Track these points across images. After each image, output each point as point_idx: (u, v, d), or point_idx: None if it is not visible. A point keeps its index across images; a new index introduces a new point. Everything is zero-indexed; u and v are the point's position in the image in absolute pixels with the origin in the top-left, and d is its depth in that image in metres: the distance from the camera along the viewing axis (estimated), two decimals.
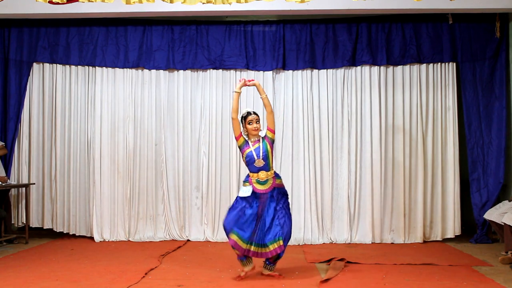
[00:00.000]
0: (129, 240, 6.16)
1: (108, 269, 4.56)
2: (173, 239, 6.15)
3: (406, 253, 5.33)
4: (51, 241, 6.12)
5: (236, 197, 4.24)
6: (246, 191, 4.14)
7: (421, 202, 6.04)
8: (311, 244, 5.92)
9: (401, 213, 6.03)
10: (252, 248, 4.09)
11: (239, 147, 4.27)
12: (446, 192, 6.09)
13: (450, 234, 6.03)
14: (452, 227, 6.03)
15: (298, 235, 6.03)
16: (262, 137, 4.25)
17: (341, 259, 4.85)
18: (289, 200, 4.22)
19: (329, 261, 4.86)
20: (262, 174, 4.14)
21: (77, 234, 6.27)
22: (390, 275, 4.33)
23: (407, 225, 6.05)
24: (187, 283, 4.07)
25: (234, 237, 4.06)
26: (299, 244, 5.93)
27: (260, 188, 4.14)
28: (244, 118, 4.23)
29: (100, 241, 6.10)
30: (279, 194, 4.21)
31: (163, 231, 6.22)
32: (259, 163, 4.14)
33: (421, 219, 6.02)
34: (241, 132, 4.23)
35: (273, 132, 4.26)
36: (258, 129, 4.21)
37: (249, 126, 4.20)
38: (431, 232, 6.09)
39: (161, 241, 6.11)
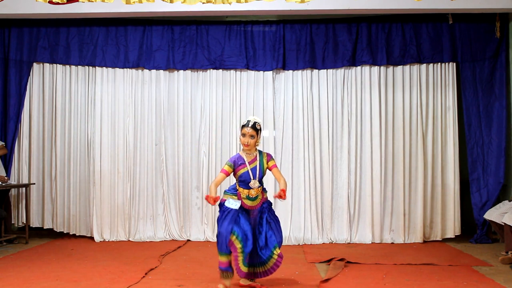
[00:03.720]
0: (129, 240, 6.16)
1: (108, 269, 4.56)
2: (173, 239, 6.15)
3: (406, 253, 5.33)
4: (51, 241, 6.12)
5: (222, 208, 3.83)
6: (234, 204, 3.76)
7: (421, 202, 6.04)
8: (311, 244, 5.92)
9: (401, 213, 6.03)
10: (256, 269, 3.84)
11: (233, 171, 3.83)
12: (446, 192, 6.09)
13: (450, 234, 6.04)
14: (452, 227, 6.03)
15: (298, 235, 6.04)
16: (260, 152, 3.90)
17: (341, 259, 4.85)
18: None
19: (329, 261, 4.86)
20: (253, 191, 3.80)
21: (77, 234, 6.27)
22: (390, 275, 4.33)
23: (407, 225, 6.05)
24: (187, 283, 4.07)
25: (233, 239, 3.68)
26: (299, 244, 5.93)
27: (250, 204, 3.81)
28: (241, 126, 3.88)
29: (100, 241, 6.10)
30: (267, 207, 3.91)
31: (163, 231, 6.22)
32: (254, 183, 3.79)
33: (421, 219, 6.02)
34: (224, 171, 3.82)
35: (271, 169, 3.90)
36: (249, 145, 3.80)
37: (241, 138, 3.84)
38: (431, 232, 6.09)
39: (161, 241, 6.11)
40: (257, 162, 3.84)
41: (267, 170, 3.91)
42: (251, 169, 3.80)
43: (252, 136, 3.79)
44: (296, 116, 6.23)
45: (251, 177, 3.78)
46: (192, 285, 4.02)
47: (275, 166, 3.93)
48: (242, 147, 3.89)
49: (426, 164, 6.09)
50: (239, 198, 3.82)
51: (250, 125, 3.79)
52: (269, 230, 3.82)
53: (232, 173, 3.87)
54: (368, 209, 6.05)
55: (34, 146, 6.35)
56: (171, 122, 6.32)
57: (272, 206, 4.03)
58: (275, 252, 3.78)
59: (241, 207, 3.80)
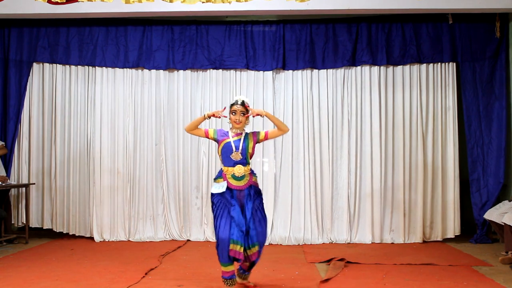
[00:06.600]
0: (129, 240, 6.16)
1: (108, 269, 4.56)
2: (173, 239, 6.15)
3: (406, 253, 5.33)
4: (51, 241, 6.11)
5: (213, 201, 3.76)
6: (219, 187, 3.71)
7: (421, 202, 6.04)
8: (311, 244, 5.92)
9: (401, 213, 6.03)
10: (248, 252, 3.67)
11: (214, 139, 3.87)
12: (446, 192, 6.09)
13: (450, 234, 6.03)
14: (452, 227, 6.03)
15: (298, 235, 6.04)
16: (247, 133, 3.88)
17: (341, 259, 4.85)
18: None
19: (329, 261, 4.86)
20: (239, 169, 3.74)
21: (77, 234, 6.27)
22: (390, 275, 4.33)
23: (407, 225, 6.05)
24: (187, 283, 4.07)
25: (233, 246, 3.60)
26: (299, 244, 5.93)
27: (235, 184, 3.73)
28: (230, 105, 3.88)
29: (100, 241, 6.10)
30: (256, 193, 3.80)
31: (163, 231, 6.22)
32: (237, 156, 3.74)
33: (421, 219, 6.02)
34: (205, 129, 3.91)
35: (267, 138, 3.90)
36: (241, 123, 3.81)
37: (232, 116, 3.83)
38: (431, 232, 6.09)
39: (161, 241, 6.11)
40: (242, 137, 3.83)
41: (267, 140, 3.91)
42: (233, 141, 3.79)
43: (242, 113, 3.82)
44: (296, 116, 6.23)
45: (233, 148, 3.76)
46: (192, 285, 4.02)
47: (268, 130, 3.95)
48: (231, 126, 3.89)
49: (426, 164, 6.09)
50: (225, 179, 3.76)
51: (239, 103, 3.83)
52: (252, 222, 3.68)
53: (216, 143, 3.90)
54: (368, 209, 6.05)
55: (33, 146, 6.34)
56: (171, 122, 6.32)
57: (263, 197, 3.94)
58: (252, 249, 3.67)
59: (228, 189, 3.73)
